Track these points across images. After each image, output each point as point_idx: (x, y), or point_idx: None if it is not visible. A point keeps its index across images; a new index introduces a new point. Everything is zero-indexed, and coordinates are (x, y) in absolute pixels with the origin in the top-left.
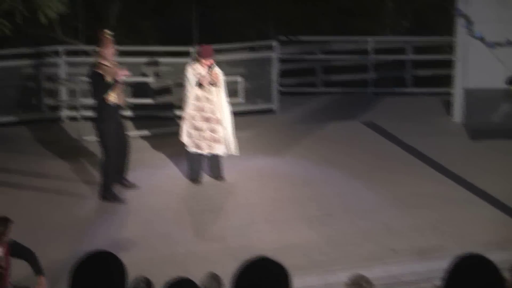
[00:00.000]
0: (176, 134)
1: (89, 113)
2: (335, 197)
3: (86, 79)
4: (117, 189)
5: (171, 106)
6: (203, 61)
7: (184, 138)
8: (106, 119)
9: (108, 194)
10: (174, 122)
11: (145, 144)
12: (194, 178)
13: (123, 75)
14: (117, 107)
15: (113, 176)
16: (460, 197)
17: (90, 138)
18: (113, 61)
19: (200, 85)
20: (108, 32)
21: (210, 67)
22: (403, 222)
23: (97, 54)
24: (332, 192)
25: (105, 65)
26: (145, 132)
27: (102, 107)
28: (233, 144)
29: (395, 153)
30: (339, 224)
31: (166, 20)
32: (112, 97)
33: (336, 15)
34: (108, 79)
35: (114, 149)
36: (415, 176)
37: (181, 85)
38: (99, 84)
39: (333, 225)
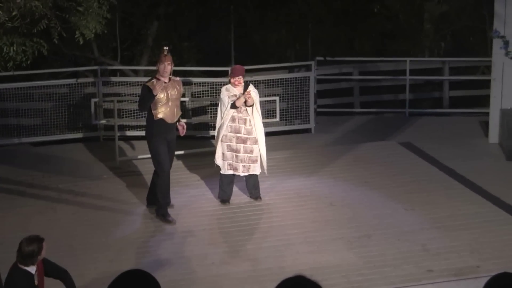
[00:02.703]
0: (212, 154)
1: (126, 133)
2: (374, 218)
3: (123, 99)
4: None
5: (207, 126)
6: (232, 80)
7: (219, 161)
8: (154, 135)
9: (159, 211)
10: (209, 143)
11: (180, 164)
12: (224, 199)
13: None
14: (167, 124)
15: (167, 194)
16: (498, 218)
17: (126, 158)
18: (169, 77)
19: (235, 106)
20: (165, 48)
21: (245, 86)
22: (441, 243)
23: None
24: (371, 213)
25: (159, 80)
26: (181, 152)
27: (150, 122)
28: (265, 164)
29: (433, 174)
30: (377, 246)
31: (205, 41)
32: (161, 113)
33: (375, 36)
34: (155, 93)
35: (166, 166)
36: (453, 197)
37: (217, 105)
38: (143, 97)
39: (372, 246)
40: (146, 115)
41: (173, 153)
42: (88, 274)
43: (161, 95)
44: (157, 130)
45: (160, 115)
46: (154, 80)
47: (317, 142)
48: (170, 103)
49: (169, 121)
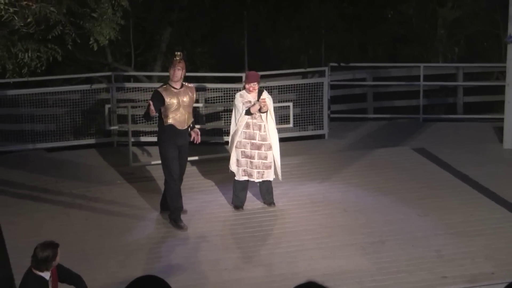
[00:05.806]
0: (225, 160)
1: (140, 139)
2: (387, 224)
3: (137, 105)
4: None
5: (221, 132)
6: (247, 86)
7: (233, 167)
8: (163, 140)
9: (171, 216)
10: (223, 148)
11: (194, 169)
12: (238, 205)
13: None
14: (177, 130)
15: (178, 199)
16: None
17: (140, 164)
18: (182, 83)
19: (249, 112)
20: (177, 53)
21: (259, 93)
22: (455, 249)
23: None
24: (384, 219)
25: (172, 86)
26: (195, 158)
27: (160, 128)
28: (280, 170)
29: (446, 180)
30: (390, 251)
31: (218, 47)
32: (171, 119)
33: (389, 42)
34: (168, 99)
35: (174, 172)
36: (467, 203)
37: (231, 111)
38: (153, 103)
39: (385, 252)
40: (157, 120)
41: (186, 159)
42: (100, 279)
43: (173, 101)
44: (166, 136)
45: (170, 121)
46: (165, 85)
47: (330, 148)
48: (181, 109)
49: (179, 127)
